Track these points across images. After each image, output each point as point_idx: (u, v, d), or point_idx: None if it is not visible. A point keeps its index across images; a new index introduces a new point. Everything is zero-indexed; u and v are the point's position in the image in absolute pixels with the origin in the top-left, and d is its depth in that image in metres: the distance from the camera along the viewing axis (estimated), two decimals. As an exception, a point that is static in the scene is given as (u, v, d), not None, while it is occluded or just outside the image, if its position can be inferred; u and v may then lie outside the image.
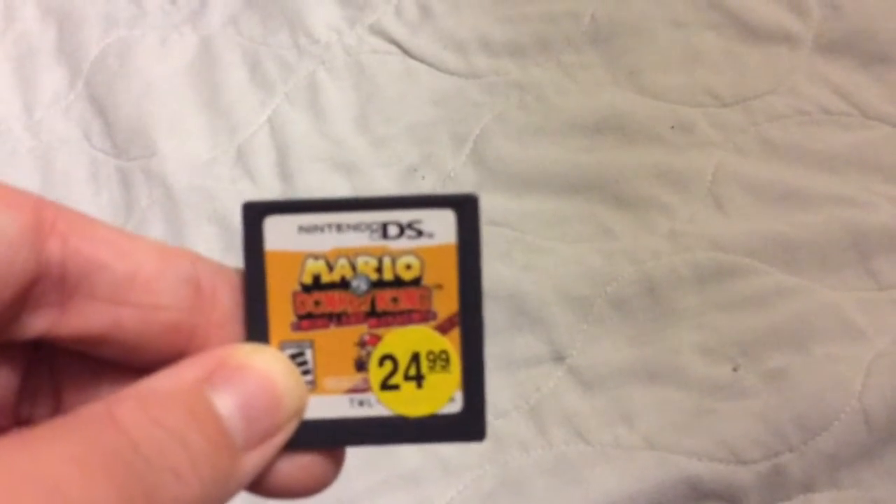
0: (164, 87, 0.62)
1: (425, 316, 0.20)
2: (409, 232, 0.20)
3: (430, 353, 0.20)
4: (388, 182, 0.56)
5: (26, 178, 0.58)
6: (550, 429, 0.45)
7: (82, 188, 0.58)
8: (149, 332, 0.19)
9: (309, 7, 0.65)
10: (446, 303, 0.20)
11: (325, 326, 0.20)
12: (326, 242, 0.20)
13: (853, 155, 0.55)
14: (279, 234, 0.20)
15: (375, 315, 0.20)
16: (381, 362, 0.20)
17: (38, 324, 0.19)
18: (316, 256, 0.20)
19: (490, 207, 0.54)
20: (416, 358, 0.20)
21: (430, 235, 0.20)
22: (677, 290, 0.49)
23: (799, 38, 0.61)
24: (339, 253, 0.20)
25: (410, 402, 0.20)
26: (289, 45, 0.64)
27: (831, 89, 0.58)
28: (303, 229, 0.20)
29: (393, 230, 0.20)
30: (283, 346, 0.20)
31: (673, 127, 0.57)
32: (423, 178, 0.56)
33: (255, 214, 0.21)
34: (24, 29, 0.67)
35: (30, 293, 0.18)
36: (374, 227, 0.20)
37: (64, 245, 0.19)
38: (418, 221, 0.20)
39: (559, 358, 0.47)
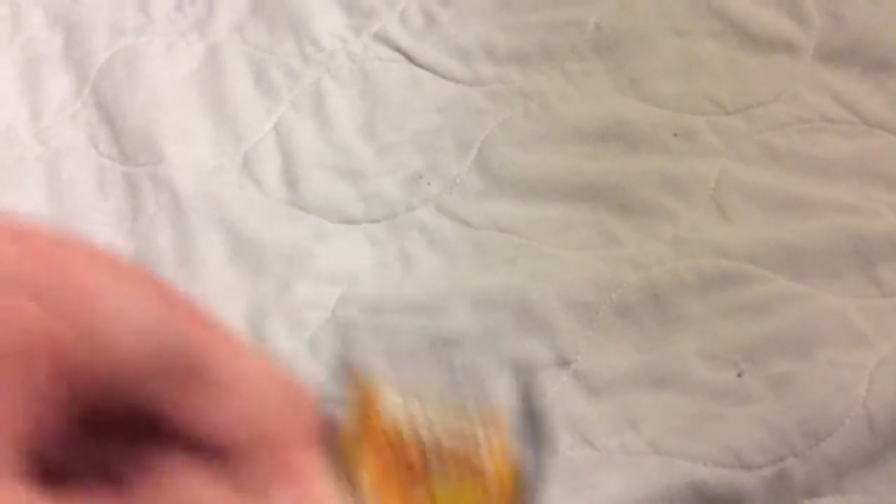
0: (170, 95, 0.63)
1: None
2: None
3: None
4: (394, 188, 0.57)
5: (33, 185, 0.59)
6: (556, 434, 0.45)
7: (89, 195, 0.58)
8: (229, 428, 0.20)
9: (314, 15, 0.66)
10: None
11: None
12: None
13: (855, 162, 0.55)
14: None
15: None
16: None
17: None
18: None
19: (496, 213, 0.55)
20: None
21: None
22: (681, 296, 0.49)
23: (800, 47, 0.62)
24: None
25: None
26: (294, 53, 0.65)
27: (833, 97, 0.59)
28: None
29: None
30: None
31: (676, 134, 0.57)
32: (429, 184, 0.57)
33: None
34: (31, 35, 0.67)
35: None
36: None
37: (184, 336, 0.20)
38: None
39: (564, 363, 0.48)
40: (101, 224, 0.56)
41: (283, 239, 0.54)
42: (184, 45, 0.65)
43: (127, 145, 0.60)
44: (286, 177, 0.58)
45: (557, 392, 0.46)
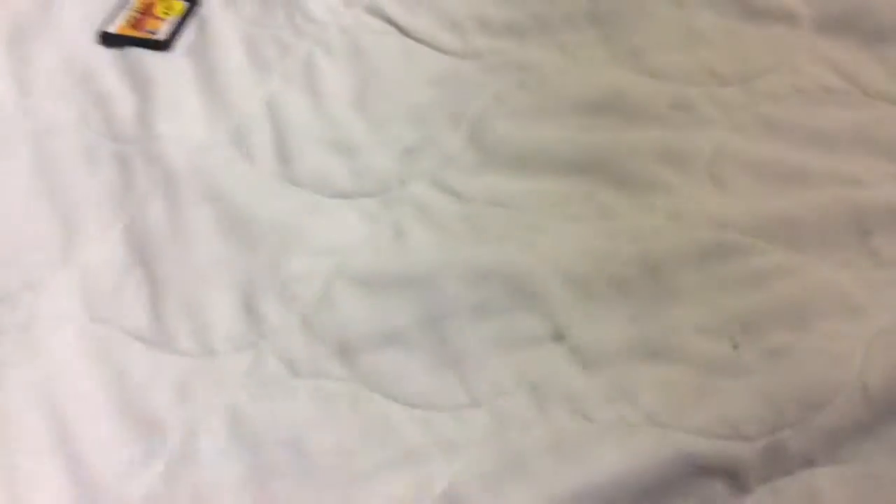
0: (161, 69, 0.62)
1: None
2: None
3: None
4: (387, 163, 0.56)
5: (21, 159, 0.58)
6: (551, 407, 0.45)
7: (78, 169, 0.57)
8: None
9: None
10: None
11: None
12: None
13: (854, 133, 0.55)
14: None
15: None
16: None
17: None
18: None
19: (490, 187, 0.54)
20: None
21: None
22: (678, 268, 0.49)
23: (799, 17, 0.61)
24: None
25: None
26: (285, 25, 0.64)
27: (831, 68, 0.58)
28: None
29: None
30: None
31: (672, 106, 0.57)
32: (423, 159, 0.56)
33: None
34: (17, 9, 0.66)
35: None
36: None
37: None
38: None
39: (559, 337, 0.47)
40: (90, 199, 0.55)
41: (276, 213, 0.54)
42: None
43: (118, 122, 0.60)
44: (278, 151, 0.57)
45: (553, 366, 0.46)
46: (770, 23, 0.61)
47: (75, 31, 0.65)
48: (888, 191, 0.51)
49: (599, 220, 0.52)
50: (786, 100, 0.57)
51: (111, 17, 0.65)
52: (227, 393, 0.46)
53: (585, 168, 0.54)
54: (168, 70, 0.62)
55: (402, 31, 0.63)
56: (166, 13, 0.65)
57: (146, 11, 0.65)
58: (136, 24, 0.65)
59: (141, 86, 0.61)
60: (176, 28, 0.64)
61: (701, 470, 0.41)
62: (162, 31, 0.64)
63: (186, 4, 0.66)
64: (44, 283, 0.51)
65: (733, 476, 0.41)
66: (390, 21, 0.64)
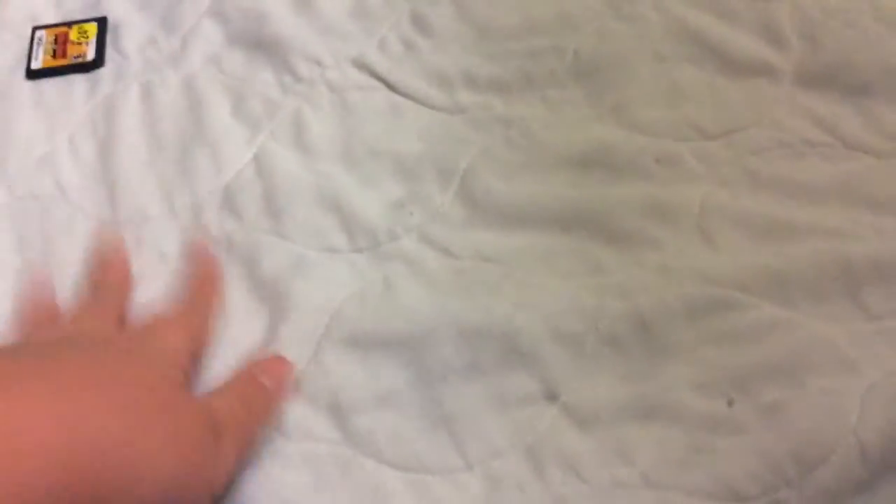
0: (148, 145, 0.62)
1: None
2: None
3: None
4: (377, 218, 0.56)
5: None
6: (547, 469, 0.44)
7: (61, 243, 0.56)
8: None
9: (290, 43, 0.65)
10: None
11: None
12: None
13: (836, 186, 0.55)
14: None
15: None
16: None
17: None
18: None
19: (478, 242, 0.54)
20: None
21: None
22: (669, 324, 0.49)
23: (779, 71, 0.62)
24: None
25: None
26: (273, 83, 0.64)
27: (813, 121, 0.59)
28: None
29: None
30: None
31: (658, 161, 0.57)
32: (412, 213, 0.56)
33: None
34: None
35: None
36: None
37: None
38: None
39: (553, 396, 0.47)
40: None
41: (267, 274, 0.53)
42: (159, 81, 0.65)
43: (104, 201, 0.59)
44: (268, 206, 0.57)
45: (547, 426, 0.46)
46: (750, 76, 0.62)
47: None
48: (874, 244, 0.51)
49: (589, 276, 0.52)
50: (769, 153, 0.58)
51: (28, 57, 0.67)
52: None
53: (574, 223, 0.54)
54: (156, 145, 0.62)
55: (390, 86, 0.64)
56: (84, 37, 0.67)
57: (62, 42, 0.68)
58: (58, 54, 0.67)
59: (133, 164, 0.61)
60: (98, 46, 0.68)
61: (700, 533, 0.41)
62: (88, 53, 0.67)
63: (95, 24, 0.69)
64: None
65: (732, 538, 0.41)
66: (378, 76, 0.64)
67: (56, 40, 0.68)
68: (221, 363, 0.49)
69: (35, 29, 0.69)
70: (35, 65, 0.67)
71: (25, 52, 0.68)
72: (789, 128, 0.59)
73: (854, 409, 0.44)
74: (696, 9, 0.65)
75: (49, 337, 0.44)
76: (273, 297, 0.52)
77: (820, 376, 0.46)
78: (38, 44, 0.67)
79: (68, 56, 0.67)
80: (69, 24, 0.69)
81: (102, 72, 0.67)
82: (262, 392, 0.46)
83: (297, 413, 0.47)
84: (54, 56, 0.67)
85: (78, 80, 0.66)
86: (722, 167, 0.57)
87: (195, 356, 0.47)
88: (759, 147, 0.58)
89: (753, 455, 0.43)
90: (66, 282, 0.53)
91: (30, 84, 0.66)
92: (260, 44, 0.66)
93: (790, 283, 0.50)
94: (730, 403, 0.45)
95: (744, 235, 0.53)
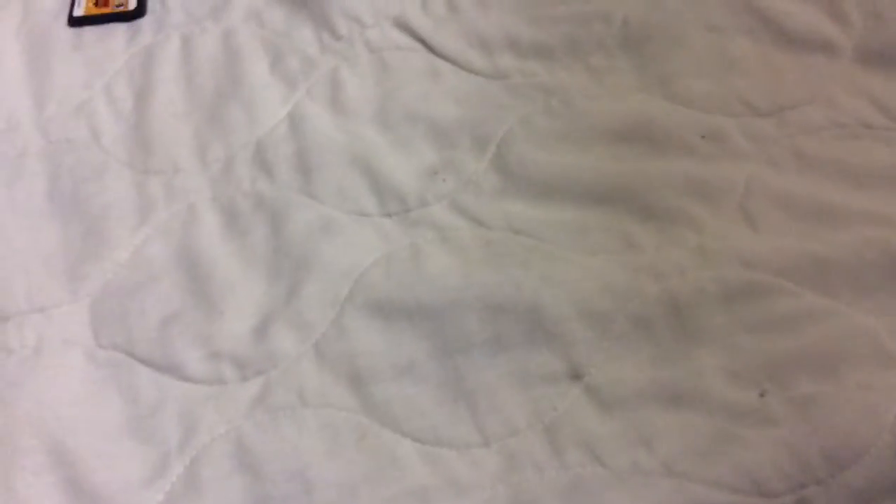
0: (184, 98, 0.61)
1: None
2: None
3: None
4: (409, 182, 0.55)
5: (36, 177, 0.57)
6: (566, 450, 0.43)
7: (91, 190, 0.56)
8: None
9: (332, 1, 0.64)
10: None
11: None
12: None
13: (892, 172, 0.53)
14: None
15: None
16: None
17: None
18: None
19: (510, 214, 0.53)
20: None
21: None
22: (703, 309, 0.47)
23: (839, 47, 0.59)
24: None
25: None
26: (312, 41, 0.63)
27: (871, 102, 0.56)
28: None
29: None
30: None
31: (704, 136, 0.55)
32: (444, 180, 0.55)
33: None
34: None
35: None
36: None
37: None
38: None
39: (577, 376, 0.46)
40: (103, 220, 0.54)
41: (293, 232, 0.52)
42: (198, 34, 0.64)
43: (138, 149, 0.58)
44: (299, 165, 0.56)
45: (568, 406, 0.45)
46: (808, 52, 0.59)
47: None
48: (927, 235, 0.49)
49: (622, 254, 0.50)
50: (822, 133, 0.55)
51: (71, 4, 0.67)
52: (234, 421, 0.45)
53: (610, 198, 0.52)
54: (192, 98, 0.61)
55: (430, 48, 0.62)
56: None
57: None
58: (100, 3, 0.67)
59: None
60: None
61: (719, 527, 0.40)
62: (130, 3, 0.66)
63: None
64: (53, 306, 0.50)
65: (754, 535, 0.40)
66: (417, 37, 0.62)
67: None
68: (241, 322, 0.49)
69: None
70: (77, 12, 0.67)
71: None
72: (845, 108, 0.56)
73: (892, 406, 0.42)
74: (755, -22, 0.62)
75: None
76: (299, 257, 0.51)
77: (858, 370, 0.44)
78: None
79: (111, 4, 0.67)
80: None
81: (143, 22, 0.66)
82: None
83: (316, 380, 0.47)
84: (97, 4, 0.67)
85: (119, 29, 0.66)
86: (771, 146, 0.54)
87: None
88: (813, 126, 0.55)
89: (782, 449, 0.41)
90: (92, 227, 0.53)
91: (71, 31, 0.66)
92: (301, 0, 0.64)
93: (833, 272, 0.48)
94: (762, 394, 0.44)
95: (788, 219, 0.50)
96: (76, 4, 0.67)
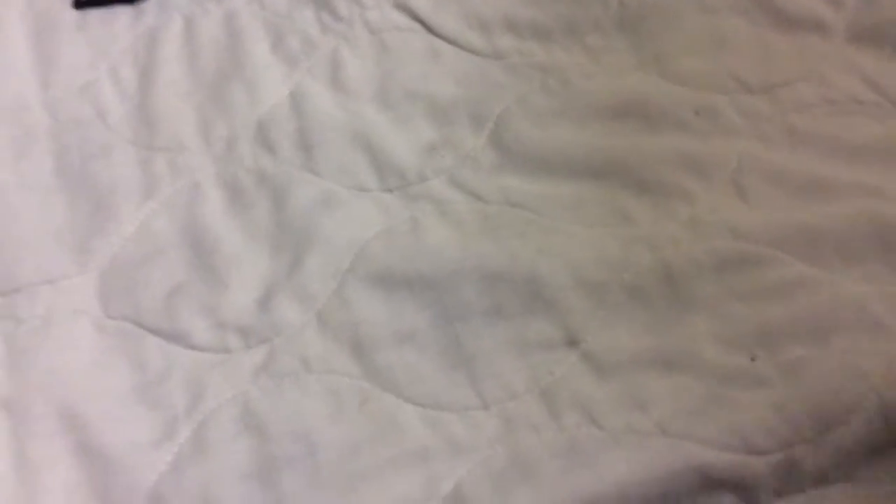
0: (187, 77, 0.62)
1: None
2: None
3: None
4: (409, 157, 0.56)
5: (42, 156, 0.58)
6: (563, 412, 0.45)
7: (97, 164, 0.57)
8: None
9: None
10: None
11: None
12: None
13: (882, 146, 0.54)
14: None
15: None
16: None
17: None
18: None
19: (508, 188, 0.54)
20: None
21: None
22: (696, 278, 0.48)
23: (831, 26, 0.60)
24: None
25: None
26: (312, 22, 0.64)
27: (862, 79, 0.57)
28: None
29: None
30: None
31: (697, 113, 0.56)
32: (443, 156, 0.56)
33: None
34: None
35: None
36: None
37: None
38: None
39: (573, 343, 0.47)
40: (110, 195, 0.55)
41: (296, 207, 0.54)
42: (201, 15, 0.65)
43: (143, 128, 0.59)
44: (301, 142, 0.57)
45: (565, 371, 0.46)
46: (800, 31, 0.60)
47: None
48: (915, 206, 0.50)
49: (618, 227, 0.51)
50: (814, 110, 0.56)
51: None
52: (240, 387, 0.46)
53: (605, 173, 0.54)
54: (194, 78, 0.62)
55: (429, 28, 0.63)
56: None
57: None
58: None
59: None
60: None
61: (711, 482, 0.41)
62: None
63: None
64: (62, 278, 0.51)
65: (744, 490, 0.41)
66: (417, 18, 0.63)
67: None
68: (246, 293, 0.50)
69: None
70: None
71: None
72: (837, 84, 0.57)
73: (878, 370, 0.43)
74: (749, -41, 0.63)
75: None
76: (301, 231, 0.52)
77: (846, 336, 0.45)
78: None
79: None
80: None
81: (146, 4, 0.67)
82: None
83: (319, 347, 0.48)
84: None
85: (123, 10, 0.67)
86: (763, 122, 0.55)
87: None
88: (804, 103, 0.56)
89: (771, 409, 0.43)
90: (99, 203, 0.54)
91: (76, 13, 0.67)
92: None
93: (823, 242, 0.49)
94: (752, 359, 0.45)
95: (780, 192, 0.52)
96: None
